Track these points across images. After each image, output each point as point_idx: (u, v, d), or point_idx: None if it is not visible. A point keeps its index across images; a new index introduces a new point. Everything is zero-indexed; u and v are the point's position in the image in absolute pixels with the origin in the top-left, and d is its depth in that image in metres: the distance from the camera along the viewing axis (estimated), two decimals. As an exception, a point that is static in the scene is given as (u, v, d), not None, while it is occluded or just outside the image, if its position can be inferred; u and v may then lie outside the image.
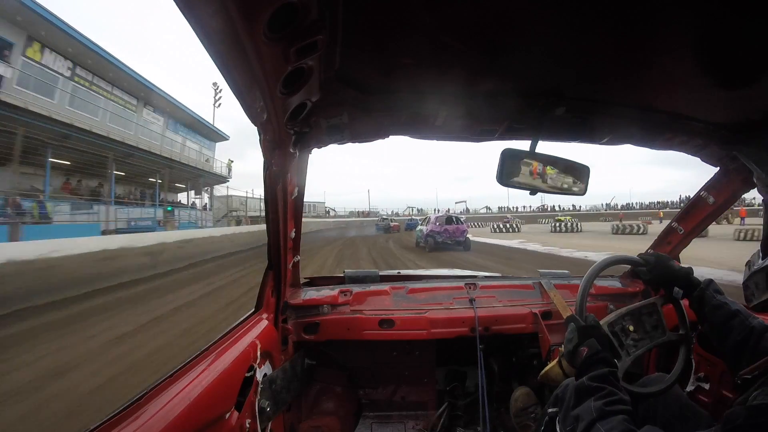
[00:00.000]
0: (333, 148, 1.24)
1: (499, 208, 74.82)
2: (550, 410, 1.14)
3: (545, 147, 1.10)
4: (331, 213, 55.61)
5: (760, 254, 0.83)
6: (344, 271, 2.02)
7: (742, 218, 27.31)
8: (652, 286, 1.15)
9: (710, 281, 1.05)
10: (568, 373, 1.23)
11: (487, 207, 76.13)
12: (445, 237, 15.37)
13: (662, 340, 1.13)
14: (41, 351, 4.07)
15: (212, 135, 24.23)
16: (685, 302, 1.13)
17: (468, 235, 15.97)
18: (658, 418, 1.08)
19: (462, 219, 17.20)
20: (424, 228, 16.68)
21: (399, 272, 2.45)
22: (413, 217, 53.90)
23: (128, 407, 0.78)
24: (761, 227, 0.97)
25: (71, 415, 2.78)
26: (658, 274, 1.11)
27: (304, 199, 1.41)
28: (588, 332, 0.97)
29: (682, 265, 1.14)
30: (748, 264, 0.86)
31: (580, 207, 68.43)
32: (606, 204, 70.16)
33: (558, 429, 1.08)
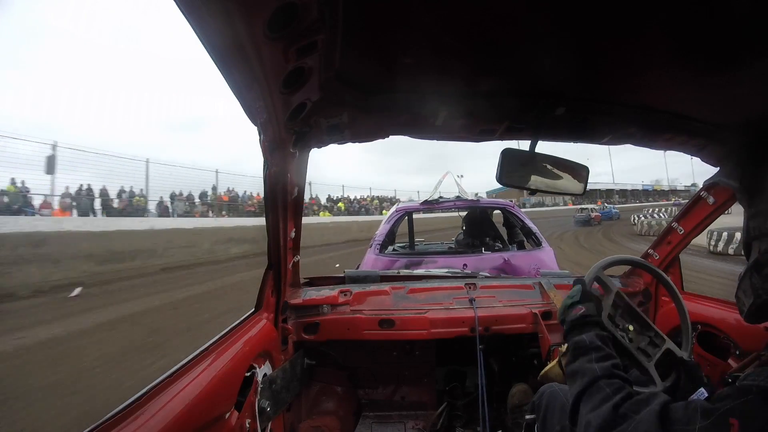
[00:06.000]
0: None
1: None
2: (527, 417, 1.13)
3: (545, 147, 1.10)
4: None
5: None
6: (344, 271, 2.02)
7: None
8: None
9: None
10: None
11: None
12: None
13: (666, 347, 1.07)
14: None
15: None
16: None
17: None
18: None
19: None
20: None
21: (399, 272, 2.45)
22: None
23: (128, 407, 0.78)
24: None
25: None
26: None
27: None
28: (590, 297, 0.96)
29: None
30: (739, 276, 0.84)
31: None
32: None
33: None
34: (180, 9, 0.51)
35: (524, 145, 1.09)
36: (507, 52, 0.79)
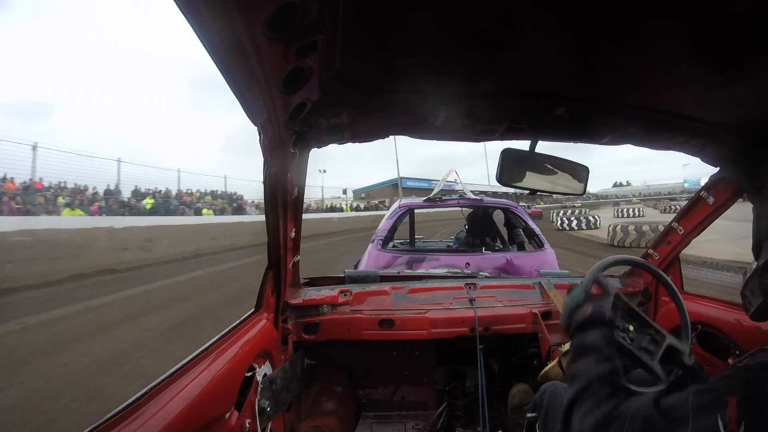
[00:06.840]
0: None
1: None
2: (529, 415, 1.13)
3: (545, 147, 1.10)
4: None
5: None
6: (344, 271, 2.02)
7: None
8: None
9: None
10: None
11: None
12: None
13: (668, 343, 1.09)
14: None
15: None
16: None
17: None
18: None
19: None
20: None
21: (399, 272, 2.45)
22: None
23: (128, 407, 0.78)
24: None
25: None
26: None
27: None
28: (594, 296, 0.92)
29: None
30: (744, 273, 0.85)
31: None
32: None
33: None
34: (180, 9, 0.51)
35: (524, 144, 1.09)
36: (507, 52, 0.79)
